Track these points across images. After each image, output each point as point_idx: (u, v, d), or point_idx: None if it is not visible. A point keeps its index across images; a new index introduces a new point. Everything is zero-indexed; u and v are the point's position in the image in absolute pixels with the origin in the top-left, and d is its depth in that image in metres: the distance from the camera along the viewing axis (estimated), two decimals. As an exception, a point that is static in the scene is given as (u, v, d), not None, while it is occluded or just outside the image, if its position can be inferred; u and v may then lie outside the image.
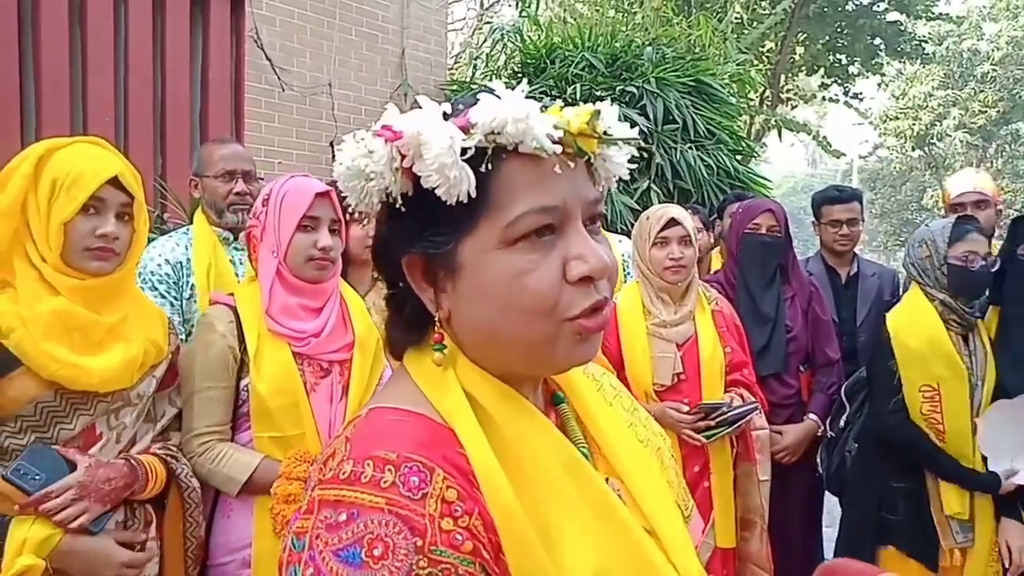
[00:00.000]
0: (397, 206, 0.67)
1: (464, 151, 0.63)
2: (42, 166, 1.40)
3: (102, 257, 1.43)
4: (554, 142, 0.64)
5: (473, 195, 0.63)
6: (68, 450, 1.40)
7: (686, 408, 2.23)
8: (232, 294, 1.76)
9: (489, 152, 0.64)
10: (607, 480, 0.72)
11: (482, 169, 0.63)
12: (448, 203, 0.64)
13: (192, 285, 2.18)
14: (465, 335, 0.70)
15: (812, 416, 2.63)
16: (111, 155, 1.48)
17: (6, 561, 1.29)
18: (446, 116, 0.66)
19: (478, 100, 0.66)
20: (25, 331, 1.35)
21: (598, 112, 0.67)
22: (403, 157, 0.65)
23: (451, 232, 0.66)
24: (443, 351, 0.69)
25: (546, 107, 0.68)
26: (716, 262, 3.61)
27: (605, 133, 0.68)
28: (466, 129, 0.64)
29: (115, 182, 1.44)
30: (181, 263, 2.19)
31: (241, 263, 2.23)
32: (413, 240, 0.68)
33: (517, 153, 0.64)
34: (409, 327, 0.72)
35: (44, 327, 1.36)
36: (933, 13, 13.42)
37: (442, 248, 0.66)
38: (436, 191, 0.63)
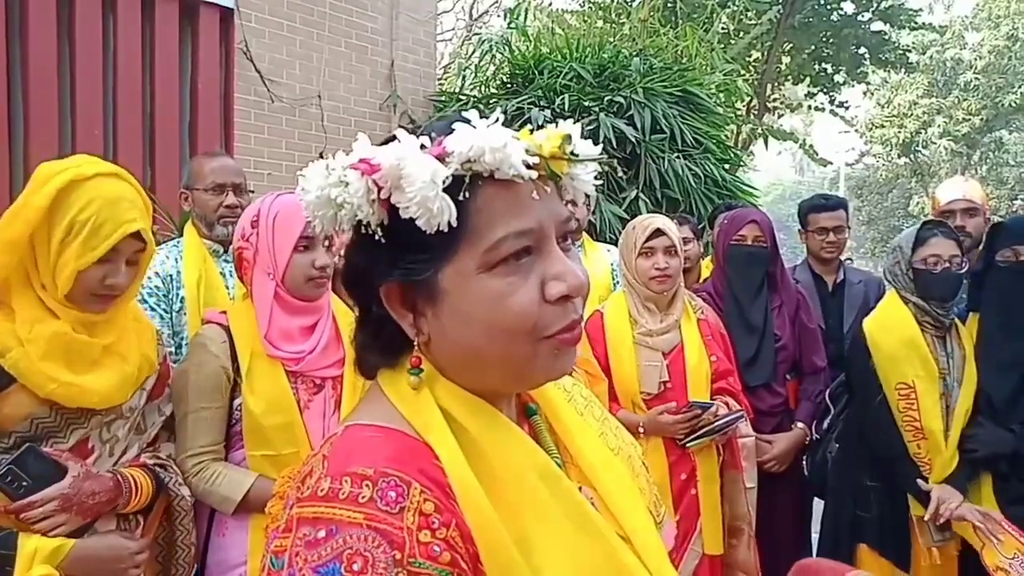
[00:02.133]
0: (376, 238, 0.67)
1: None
2: (60, 202, 1.34)
3: (106, 301, 1.43)
4: (528, 167, 0.66)
5: (454, 224, 0.64)
6: (62, 454, 1.39)
7: (674, 406, 2.25)
8: (225, 312, 1.75)
9: (467, 180, 0.65)
10: (580, 488, 0.73)
11: (460, 197, 0.64)
12: (427, 232, 0.64)
13: (182, 298, 2.18)
14: (445, 357, 0.70)
15: (800, 424, 2.65)
16: (133, 201, 1.42)
17: (18, 574, 1.28)
18: (422, 147, 0.66)
19: (452, 128, 0.66)
20: (22, 350, 1.34)
21: (569, 136, 0.69)
22: (380, 189, 0.65)
23: (430, 259, 0.66)
24: (419, 375, 0.70)
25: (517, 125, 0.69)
26: (707, 271, 3.64)
27: (573, 153, 0.69)
28: (442, 158, 0.64)
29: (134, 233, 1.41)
30: (171, 276, 2.20)
31: (231, 275, 2.23)
32: (391, 268, 0.68)
33: (493, 179, 0.65)
34: (386, 351, 0.72)
35: (43, 349, 1.35)
36: (916, 23, 13.54)
37: (422, 275, 0.67)
38: (416, 222, 0.64)
